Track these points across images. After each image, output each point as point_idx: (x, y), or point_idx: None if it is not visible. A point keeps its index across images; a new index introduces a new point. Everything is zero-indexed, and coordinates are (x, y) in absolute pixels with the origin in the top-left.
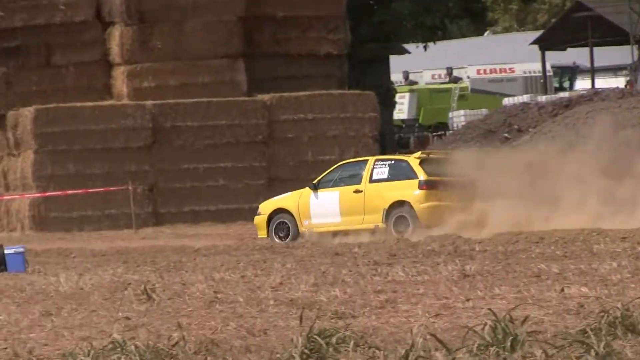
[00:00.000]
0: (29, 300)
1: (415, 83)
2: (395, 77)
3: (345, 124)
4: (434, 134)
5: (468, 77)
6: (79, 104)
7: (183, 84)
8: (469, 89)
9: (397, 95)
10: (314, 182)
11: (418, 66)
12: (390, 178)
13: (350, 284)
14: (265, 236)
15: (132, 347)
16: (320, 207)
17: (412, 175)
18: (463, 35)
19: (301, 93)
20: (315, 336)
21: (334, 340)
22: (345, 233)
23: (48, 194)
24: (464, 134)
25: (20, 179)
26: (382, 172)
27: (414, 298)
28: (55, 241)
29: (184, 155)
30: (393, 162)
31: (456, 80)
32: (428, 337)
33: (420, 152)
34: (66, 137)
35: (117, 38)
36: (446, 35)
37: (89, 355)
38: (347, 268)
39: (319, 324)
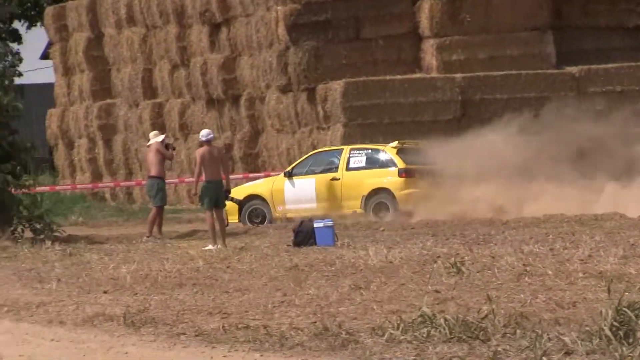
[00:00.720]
0: (338, 273)
1: None
2: None
3: None
4: None
5: None
6: (388, 77)
7: (491, 56)
8: None
9: None
10: (287, 169)
11: None
12: (367, 166)
13: None
14: (237, 221)
15: (442, 321)
16: (296, 194)
17: (390, 163)
18: None
19: (610, 65)
20: (625, 309)
21: None
22: None
23: None
24: None
25: None
26: (359, 160)
27: None
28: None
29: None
30: (370, 151)
31: None
32: None
33: (397, 141)
34: (375, 110)
35: (426, 11)
36: None
37: (398, 328)
38: None
39: (627, 296)
